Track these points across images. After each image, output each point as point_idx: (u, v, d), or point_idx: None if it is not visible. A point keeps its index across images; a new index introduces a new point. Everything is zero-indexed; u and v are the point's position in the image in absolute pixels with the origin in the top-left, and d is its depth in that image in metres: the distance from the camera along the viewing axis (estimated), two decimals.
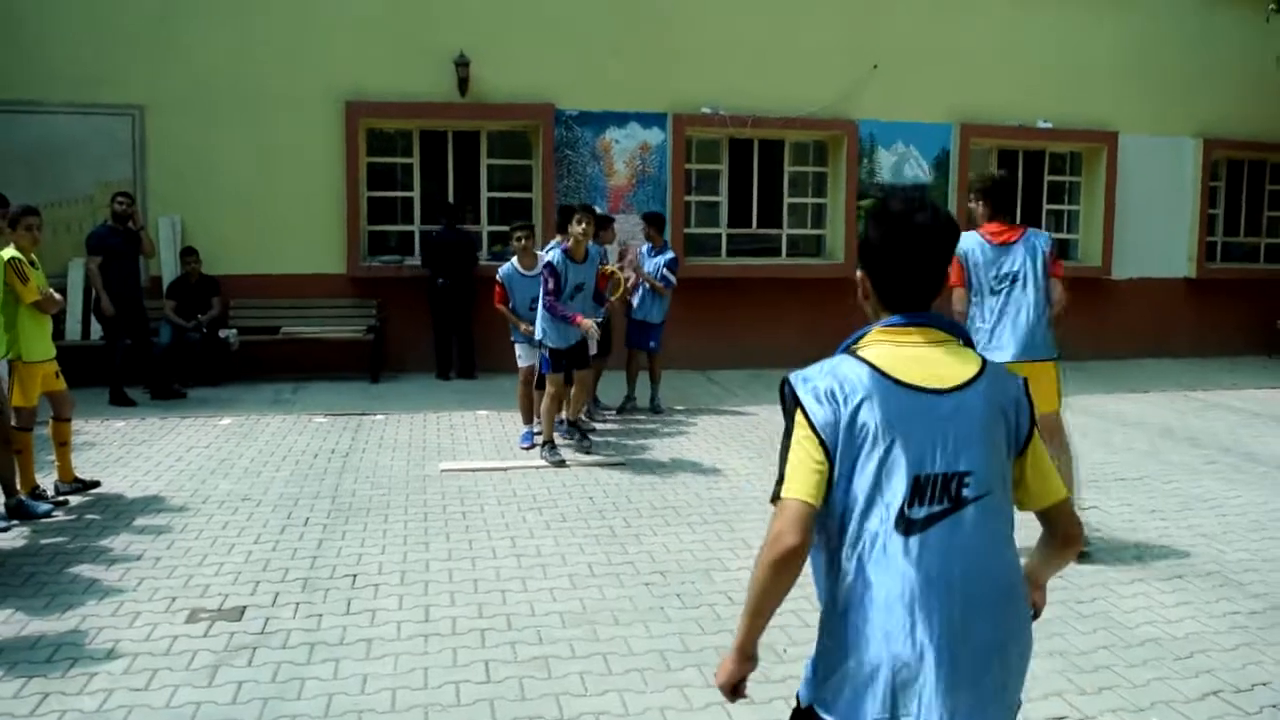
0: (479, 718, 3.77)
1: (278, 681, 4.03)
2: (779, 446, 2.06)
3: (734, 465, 7.69)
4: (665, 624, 4.65)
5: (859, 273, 2.23)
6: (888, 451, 1.97)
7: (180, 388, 10.17)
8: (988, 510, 2.00)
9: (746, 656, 2.15)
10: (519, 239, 8.32)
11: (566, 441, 8.12)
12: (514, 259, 8.38)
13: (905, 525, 1.95)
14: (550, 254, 7.82)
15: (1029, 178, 13.65)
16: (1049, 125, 13.19)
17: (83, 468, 7.05)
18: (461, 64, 11.33)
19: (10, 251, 6.24)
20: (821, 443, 1.98)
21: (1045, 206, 13.76)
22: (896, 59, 12.54)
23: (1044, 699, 3.92)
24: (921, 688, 1.91)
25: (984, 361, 2.10)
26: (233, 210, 11.17)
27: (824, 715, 2.02)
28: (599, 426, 8.97)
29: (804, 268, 12.68)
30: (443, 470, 7.44)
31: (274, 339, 11.09)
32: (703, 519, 6.31)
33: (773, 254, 12.84)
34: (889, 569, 1.94)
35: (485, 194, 12.06)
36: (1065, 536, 2.17)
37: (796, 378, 2.06)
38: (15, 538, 5.82)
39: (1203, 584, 5.27)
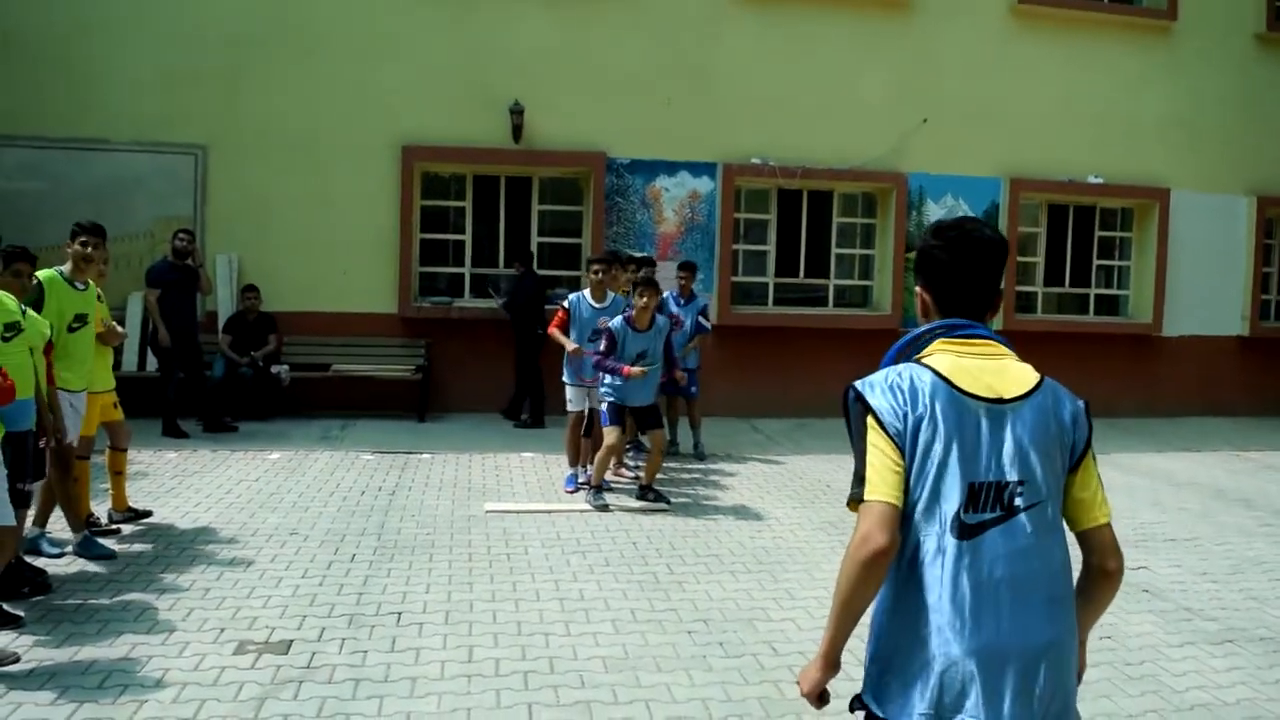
0: None
1: (323, 716, 4.06)
2: (853, 452, 2.13)
3: (777, 514, 7.67)
4: (707, 672, 4.64)
5: (918, 288, 2.31)
6: (946, 457, 2.05)
7: (231, 421, 10.35)
8: (1040, 519, 2.08)
9: (831, 663, 2.16)
10: (595, 273, 8.39)
11: (634, 487, 8.15)
12: (586, 290, 8.44)
13: (960, 529, 2.03)
14: (613, 321, 7.87)
15: (1079, 233, 13.59)
16: (1100, 180, 13.15)
17: (135, 497, 7.18)
18: (516, 111, 11.53)
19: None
20: (895, 444, 2.06)
21: (1095, 262, 13.68)
22: (947, 112, 12.59)
23: None
24: (971, 687, 1.97)
25: (1042, 377, 2.17)
26: (288, 249, 11.40)
27: (876, 711, 2.09)
28: (639, 474, 8.98)
29: (850, 318, 12.68)
30: (488, 511, 7.49)
31: (324, 376, 11.26)
32: (746, 567, 6.30)
33: (819, 304, 12.86)
34: (943, 571, 2.02)
35: (535, 239, 12.21)
36: (1102, 568, 2.19)
37: (863, 384, 2.14)
38: (69, 564, 5.93)
39: (1255, 649, 5.18)
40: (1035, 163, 12.95)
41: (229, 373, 10.67)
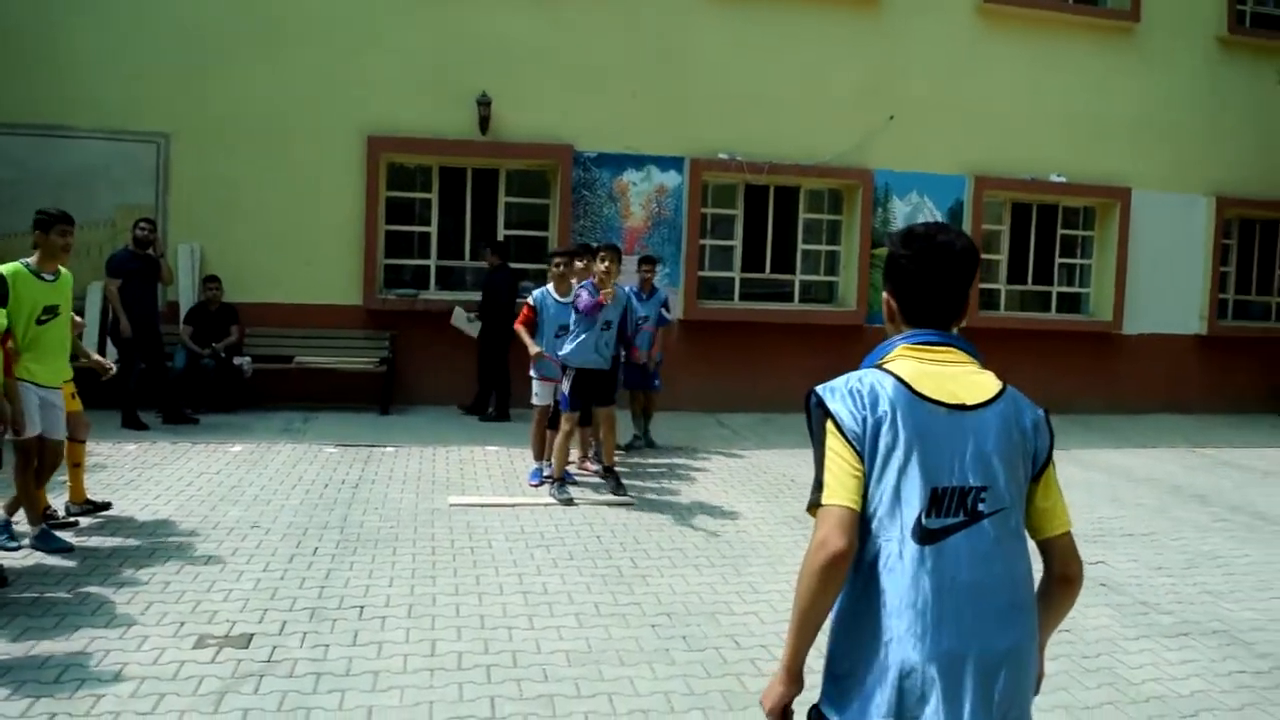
0: None
1: (284, 710, 4.04)
2: (814, 458, 2.13)
3: (742, 508, 7.70)
4: (670, 666, 4.66)
5: (885, 293, 2.30)
6: (908, 462, 2.04)
7: (192, 413, 10.24)
8: (1003, 525, 2.07)
9: (794, 676, 2.13)
10: (557, 265, 8.32)
11: (598, 482, 8.16)
12: (549, 284, 8.36)
13: (921, 534, 2.02)
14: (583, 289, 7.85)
15: (1042, 231, 13.73)
16: (1063, 179, 13.29)
17: (94, 489, 7.09)
18: (483, 103, 11.48)
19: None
20: (854, 449, 2.05)
21: (1058, 260, 13.82)
22: (913, 110, 12.67)
23: None
24: (931, 693, 1.96)
25: (1004, 385, 2.18)
26: (252, 239, 11.28)
27: (831, 717, 2.07)
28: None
29: (816, 314, 12.74)
30: (451, 504, 7.47)
31: (287, 368, 11.16)
32: (710, 561, 6.32)
33: (785, 299, 12.91)
34: (904, 576, 2.00)
35: (502, 231, 12.16)
36: (1064, 575, 2.21)
37: (824, 389, 2.14)
38: (25, 557, 5.84)
39: (1209, 642, 5.26)
40: (999, 161, 13.08)
41: (190, 364, 10.55)
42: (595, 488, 8.10)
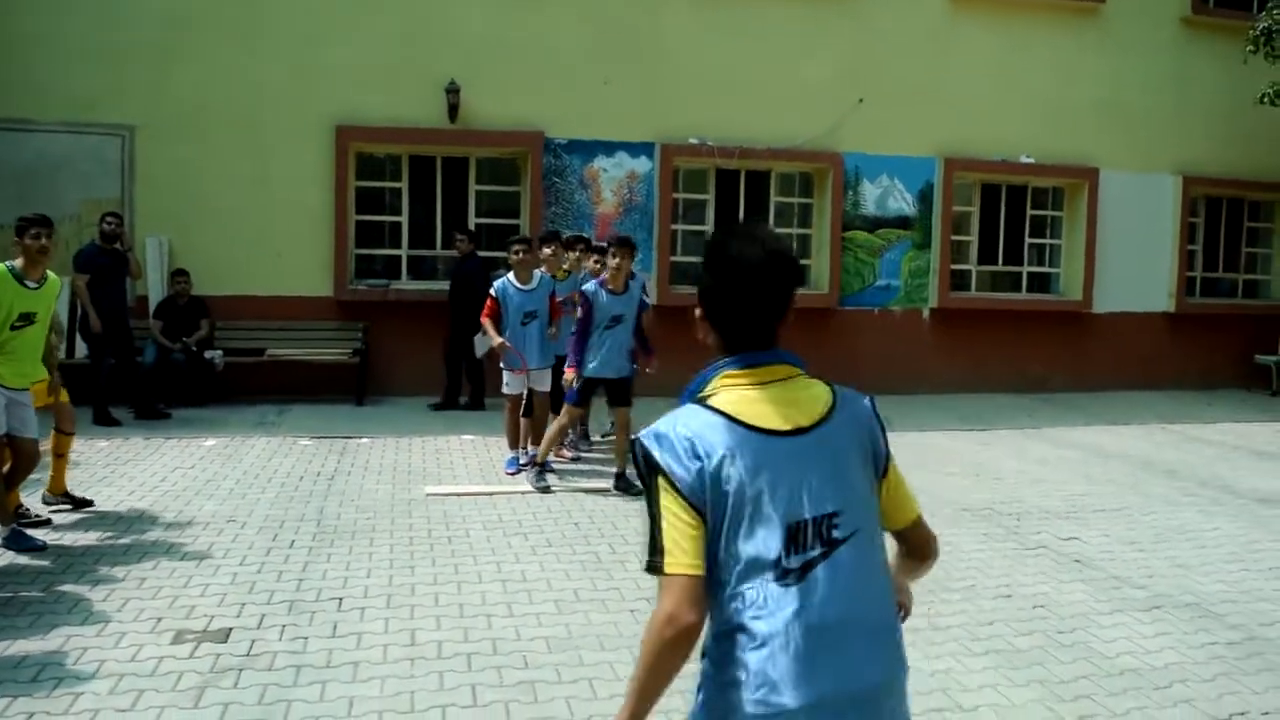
0: None
1: (264, 704, 4.03)
2: (647, 512, 1.96)
3: None
4: None
5: (697, 312, 2.11)
6: (757, 503, 1.89)
7: (164, 408, 10.17)
8: (860, 546, 1.96)
9: None
10: (516, 253, 8.17)
11: (574, 469, 8.15)
12: (509, 273, 8.24)
13: (782, 575, 1.88)
14: (586, 285, 7.81)
15: (1012, 212, 13.82)
16: (1031, 160, 13.39)
17: (69, 486, 7.01)
18: (452, 91, 11.42)
19: None
20: (691, 505, 1.89)
21: (1027, 240, 13.92)
22: (883, 93, 12.71)
23: None
24: None
25: (832, 389, 2.05)
26: (220, 231, 11.19)
27: None
28: (585, 454, 9.00)
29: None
30: (428, 494, 7.46)
31: (259, 360, 11.09)
32: None
33: None
34: (771, 620, 1.86)
35: (473, 219, 12.11)
36: (922, 557, 2.19)
37: (650, 439, 1.95)
38: None
39: (1181, 615, 5.34)
40: (969, 143, 13.15)
41: (161, 359, 10.47)
42: (569, 475, 8.10)
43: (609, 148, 12.12)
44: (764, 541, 1.88)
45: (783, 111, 12.44)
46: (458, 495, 7.46)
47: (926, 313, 13.23)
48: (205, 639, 4.67)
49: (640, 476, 1.97)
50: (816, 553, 1.91)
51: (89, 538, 6.21)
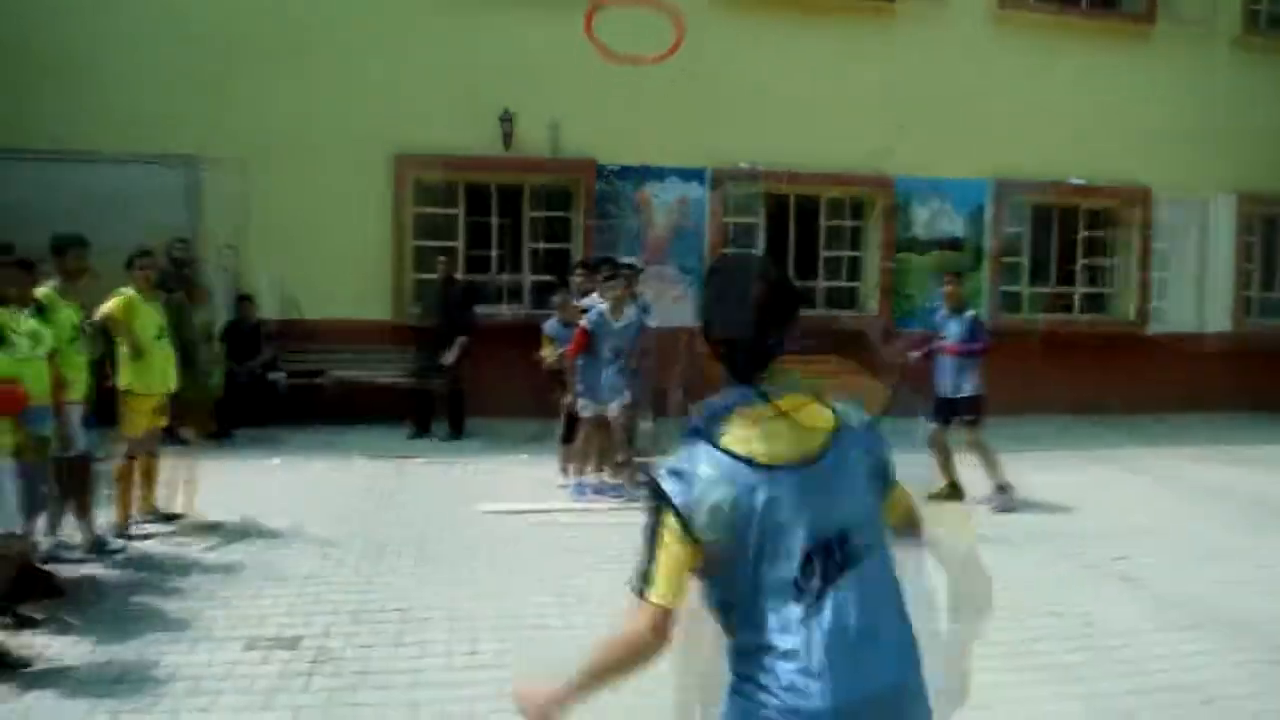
0: None
1: (331, 706, 4.22)
2: (642, 538, 2.08)
3: None
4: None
5: (706, 345, 2.19)
6: (773, 535, 2.00)
7: (229, 429, 10.46)
8: (874, 565, 2.07)
9: (558, 707, 2.15)
10: (612, 286, 8.10)
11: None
12: (605, 307, 8.11)
13: (800, 596, 1.99)
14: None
15: (1064, 233, 13.81)
16: (1082, 182, 13.36)
17: (135, 504, 7.28)
18: (505, 120, 11.69)
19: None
20: (691, 542, 2.01)
21: (1080, 262, 13.88)
22: (933, 116, 12.76)
23: None
24: None
25: (835, 413, 2.13)
26: (282, 258, 11.49)
27: None
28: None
29: (839, 319, 12.84)
30: (485, 511, 7.64)
31: (320, 383, 11.37)
32: None
33: (808, 305, 13.01)
34: (790, 641, 1.97)
35: (527, 245, 12.36)
36: (913, 526, 2.32)
37: (664, 477, 2.06)
38: (78, 569, 6.06)
39: (1224, 633, 5.36)
40: (1021, 164, 13.14)
41: (226, 381, 10.78)
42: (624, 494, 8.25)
43: (660, 173, 12.31)
44: (783, 566, 2.00)
45: (832, 135, 12.51)
46: (514, 512, 7.64)
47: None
48: (275, 646, 4.87)
49: (649, 506, 2.09)
50: (833, 572, 2.01)
51: (162, 550, 6.49)
